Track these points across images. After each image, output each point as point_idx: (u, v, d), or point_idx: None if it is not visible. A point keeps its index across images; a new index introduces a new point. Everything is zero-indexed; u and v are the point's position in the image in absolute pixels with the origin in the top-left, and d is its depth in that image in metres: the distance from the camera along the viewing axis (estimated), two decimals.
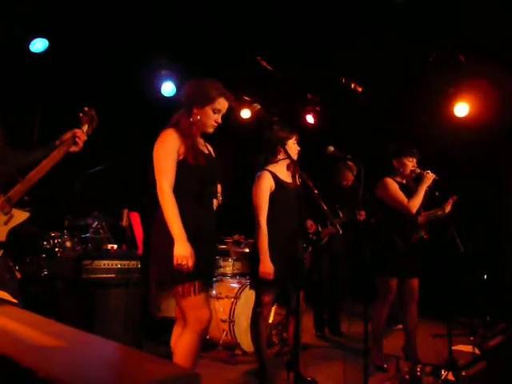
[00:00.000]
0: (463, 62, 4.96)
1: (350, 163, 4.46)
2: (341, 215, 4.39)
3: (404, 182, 3.61)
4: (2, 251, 2.28)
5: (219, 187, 2.62)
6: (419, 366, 3.22)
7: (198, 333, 2.25)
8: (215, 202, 2.56)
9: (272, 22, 4.67)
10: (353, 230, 4.59)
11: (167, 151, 2.29)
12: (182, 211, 2.27)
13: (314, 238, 4.41)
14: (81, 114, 2.55)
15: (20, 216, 2.36)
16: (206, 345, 3.80)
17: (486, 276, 4.62)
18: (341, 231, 4.50)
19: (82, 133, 2.49)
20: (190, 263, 2.18)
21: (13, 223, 2.32)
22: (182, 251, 2.18)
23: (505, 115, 5.15)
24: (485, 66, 4.77)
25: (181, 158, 2.30)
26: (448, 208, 3.53)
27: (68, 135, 2.46)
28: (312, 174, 2.78)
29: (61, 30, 4.57)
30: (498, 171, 5.79)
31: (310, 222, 4.34)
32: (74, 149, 2.47)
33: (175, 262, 2.18)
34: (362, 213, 4.18)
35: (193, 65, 4.99)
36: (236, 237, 4.68)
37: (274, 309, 3.65)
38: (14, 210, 2.32)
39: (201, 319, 2.26)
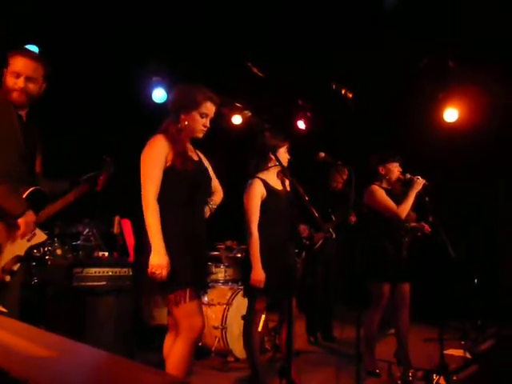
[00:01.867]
0: (453, 67, 5.01)
1: (340, 167, 4.50)
2: (333, 218, 4.41)
3: (389, 187, 3.64)
4: (19, 265, 2.34)
5: (219, 195, 2.61)
6: (411, 370, 3.24)
7: (191, 341, 2.23)
8: (207, 209, 2.54)
9: (263, 27, 4.69)
10: (345, 234, 4.62)
11: (154, 158, 2.28)
12: (170, 218, 2.26)
13: (308, 242, 4.42)
14: (104, 158, 2.81)
15: (40, 236, 2.45)
16: (198, 352, 3.77)
17: (477, 280, 4.65)
18: (334, 235, 4.54)
19: (104, 176, 2.74)
20: (164, 273, 2.15)
21: (34, 241, 2.41)
22: (158, 260, 2.16)
23: (493, 120, 5.22)
24: (474, 71, 4.83)
25: (169, 164, 2.29)
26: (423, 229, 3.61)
27: (92, 176, 2.70)
28: (303, 179, 2.79)
29: (51, 37, 4.56)
30: (487, 176, 5.85)
31: (303, 227, 4.35)
32: (94, 188, 2.72)
33: (149, 270, 2.16)
34: (353, 214, 4.22)
35: (184, 71, 4.99)
36: (228, 243, 4.67)
37: (263, 317, 3.65)
38: (36, 229, 2.41)
39: (194, 327, 2.23)
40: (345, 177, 4.73)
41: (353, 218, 4.27)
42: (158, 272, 2.15)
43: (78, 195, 2.62)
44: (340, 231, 4.59)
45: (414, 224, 3.67)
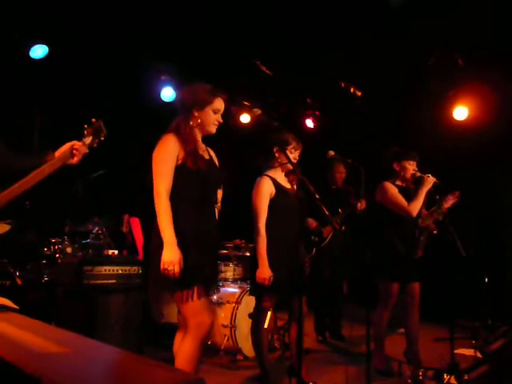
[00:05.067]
0: (462, 65, 4.97)
1: (339, 164, 4.48)
2: (340, 211, 4.40)
3: (404, 185, 3.61)
4: None
5: (220, 194, 2.61)
6: (421, 370, 3.22)
7: (200, 338, 2.23)
8: (216, 209, 2.55)
9: (271, 26, 4.68)
10: (353, 229, 4.61)
11: (165, 156, 2.29)
12: (181, 216, 2.26)
13: (316, 239, 4.39)
14: (85, 126, 2.43)
15: (1, 227, 2.20)
16: (207, 350, 3.79)
17: (487, 279, 4.62)
18: (343, 227, 4.53)
19: (81, 145, 2.36)
20: (177, 269, 2.16)
21: None
22: (170, 257, 2.17)
23: (504, 118, 5.17)
24: (484, 69, 4.78)
25: (179, 162, 2.30)
26: (447, 204, 3.45)
27: (66, 147, 2.33)
28: (309, 178, 2.79)
29: (60, 36, 4.58)
30: (497, 174, 5.80)
31: (310, 220, 4.31)
32: (71, 161, 2.34)
33: (162, 266, 2.17)
34: (363, 202, 4.18)
35: (192, 70, 5.00)
36: (237, 241, 4.67)
37: (269, 314, 3.65)
38: None
39: (202, 325, 2.24)
40: (343, 175, 4.72)
41: (362, 206, 4.24)
42: (170, 268, 2.16)
43: (46, 174, 2.21)
44: (348, 224, 4.58)
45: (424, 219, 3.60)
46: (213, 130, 2.45)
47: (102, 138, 2.45)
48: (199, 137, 2.46)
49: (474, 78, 5.09)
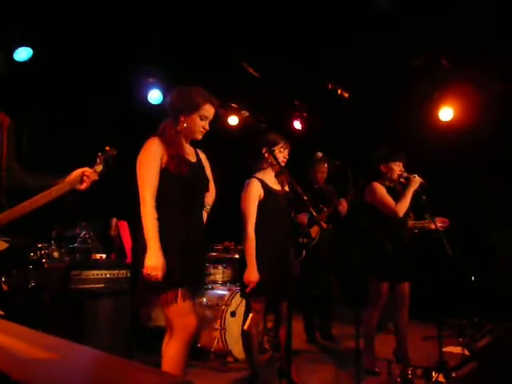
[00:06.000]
0: (447, 66, 5.03)
1: (320, 164, 4.53)
2: (324, 209, 4.44)
3: (391, 185, 3.64)
4: None
5: (211, 197, 2.61)
6: (410, 368, 3.24)
7: (186, 341, 2.22)
8: (204, 212, 2.54)
9: (259, 28, 4.69)
10: (340, 227, 4.66)
11: (149, 160, 2.29)
12: (165, 219, 2.26)
13: (305, 240, 4.41)
14: (99, 154, 2.45)
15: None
16: (197, 353, 3.78)
17: (473, 277, 4.67)
18: (331, 225, 4.58)
19: (92, 172, 2.37)
20: (160, 274, 2.16)
21: None
22: (153, 262, 2.17)
23: (488, 119, 5.23)
24: (469, 70, 4.84)
25: (163, 166, 2.30)
26: (435, 225, 3.56)
27: (77, 173, 2.34)
28: (297, 179, 2.80)
29: (45, 38, 4.54)
30: (483, 174, 5.87)
31: (302, 216, 4.30)
32: (79, 187, 2.34)
33: (144, 271, 2.17)
34: (344, 202, 4.27)
35: (179, 72, 4.99)
36: (226, 243, 4.67)
37: (251, 316, 3.65)
38: None
39: (187, 327, 2.23)
40: (325, 175, 4.75)
41: (343, 207, 4.31)
42: (153, 273, 2.16)
43: (53, 197, 2.22)
44: (334, 222, 4.64)
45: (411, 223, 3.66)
46: (198, 136, 2.44)
47: (110, 166, 2.48)
48: (185, 140, 2.45)
49: (459, 79, 5.16)
